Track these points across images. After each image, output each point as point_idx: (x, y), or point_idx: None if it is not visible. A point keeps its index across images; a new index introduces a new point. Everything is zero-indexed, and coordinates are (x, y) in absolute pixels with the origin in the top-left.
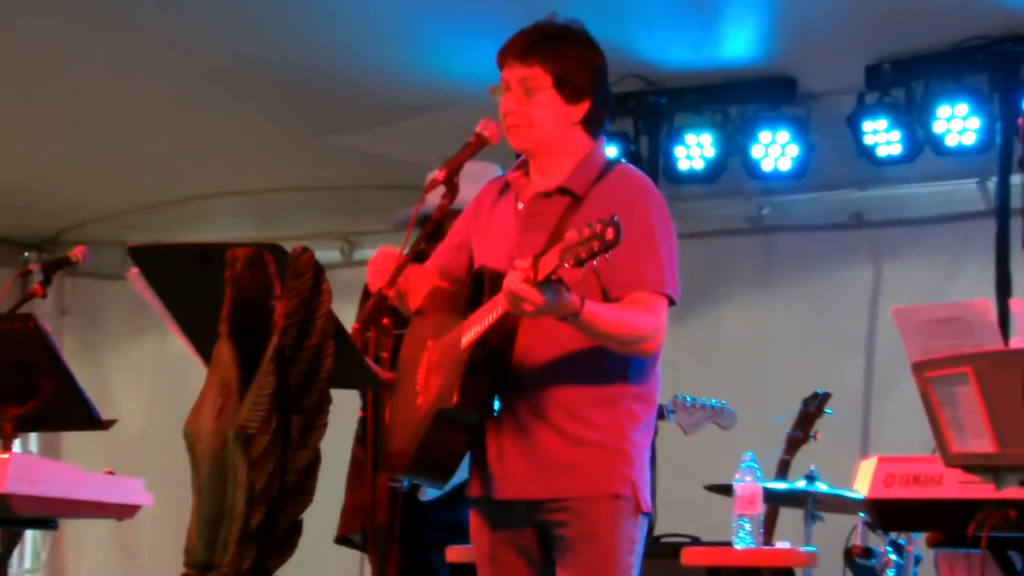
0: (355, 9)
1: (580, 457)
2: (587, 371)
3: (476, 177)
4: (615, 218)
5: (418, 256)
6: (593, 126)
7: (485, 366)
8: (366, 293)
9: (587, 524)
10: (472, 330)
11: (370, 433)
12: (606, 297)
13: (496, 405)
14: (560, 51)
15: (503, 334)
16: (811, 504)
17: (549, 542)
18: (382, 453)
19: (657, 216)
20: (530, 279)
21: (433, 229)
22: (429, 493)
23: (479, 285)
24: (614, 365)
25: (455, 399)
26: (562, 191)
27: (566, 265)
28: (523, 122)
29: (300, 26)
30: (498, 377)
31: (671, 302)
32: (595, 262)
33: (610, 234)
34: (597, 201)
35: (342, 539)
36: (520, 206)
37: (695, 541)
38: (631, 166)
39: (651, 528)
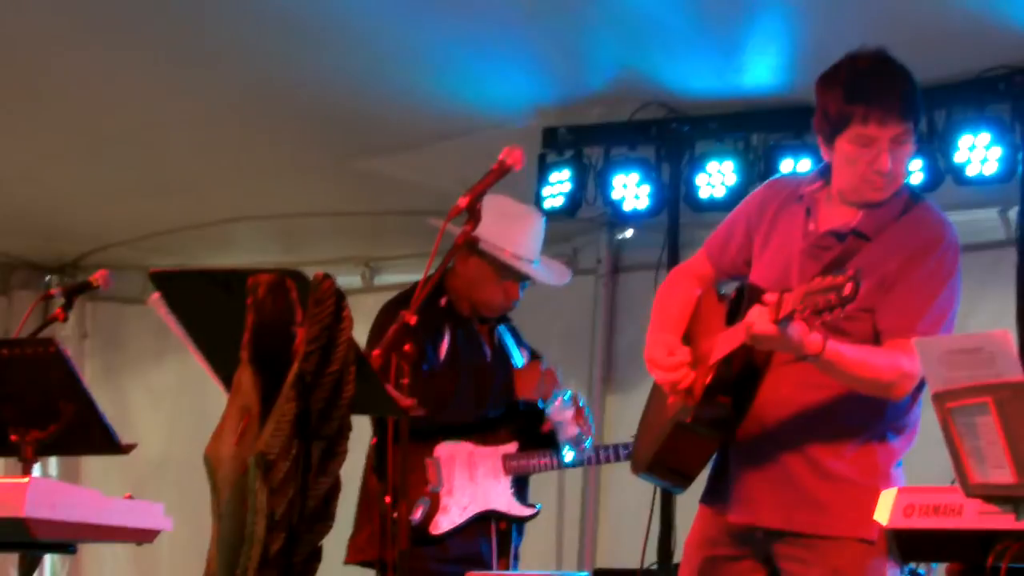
0: (380, 35)
1: (831, 493)
2: (845, 402)
3: (513, 218)
4: (857, 273)
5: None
6: None
7: (728, 388)
8: (380, 317)
9: (831, 567)
10: (721, 349)
11: (390, 460)
12: (875, 330)
13: (734, 425)
14: (919, 101)
15: (748, 360)
16: None
17: None
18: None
19: (947, 268)
20: (771, 317)
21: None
22: (441, 525)
23: (740, 300)
24: (873, 399)
25: (689, 419)
26: (856, 234)
27: (802, 311)
28: (899, 179)
29: (325, 52)
30: (741, 400)
31: None
32: (830, 315)
33: (848, 290)
34: (887, 244)
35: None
36: (811, 227)
37: None
38: (932, 208)
39: (670, 554)
